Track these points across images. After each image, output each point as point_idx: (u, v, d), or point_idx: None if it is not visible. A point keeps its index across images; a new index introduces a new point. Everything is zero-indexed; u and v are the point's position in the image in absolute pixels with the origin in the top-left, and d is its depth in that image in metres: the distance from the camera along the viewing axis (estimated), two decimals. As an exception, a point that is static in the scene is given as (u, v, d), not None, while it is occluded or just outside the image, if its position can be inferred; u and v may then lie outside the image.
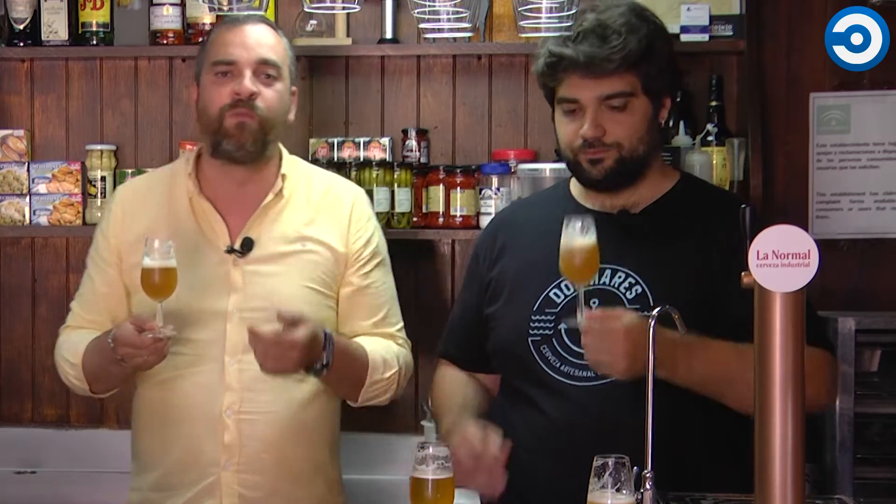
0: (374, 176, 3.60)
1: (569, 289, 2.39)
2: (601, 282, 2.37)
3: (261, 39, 2.63)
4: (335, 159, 3.73)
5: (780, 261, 1.85)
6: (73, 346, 2.67)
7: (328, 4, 2.77)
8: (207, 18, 3.71)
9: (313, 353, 2.49)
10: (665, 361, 2.13)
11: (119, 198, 2.75)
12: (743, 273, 1.89)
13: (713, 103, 3.68)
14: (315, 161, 3.66)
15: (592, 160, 2.41)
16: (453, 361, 2.67)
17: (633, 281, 2.37)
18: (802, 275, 1.84)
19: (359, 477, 3.30)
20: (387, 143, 3.76)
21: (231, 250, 2.60)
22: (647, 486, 2.00)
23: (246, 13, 2.56)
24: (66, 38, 3.75)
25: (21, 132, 3.83)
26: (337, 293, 2.70)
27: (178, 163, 2.78)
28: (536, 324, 2.41)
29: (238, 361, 2.56)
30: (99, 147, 3.78)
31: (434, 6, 3.00)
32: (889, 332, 3.43)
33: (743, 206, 1.99)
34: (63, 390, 3.85)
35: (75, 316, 2.75)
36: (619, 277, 2.38)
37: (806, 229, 2.00)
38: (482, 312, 2.55)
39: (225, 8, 2.72)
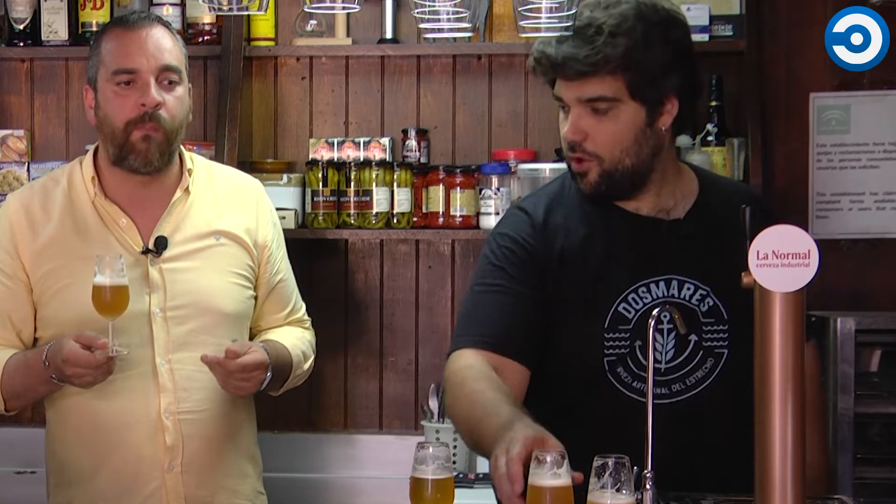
0: (374, 176, 3.60)
1: (637, 303, 2.29)
2: (669, 294, 2.29)
3: (161, 44, 2.56)
4: (335, 159, 3.73)
5: (780, 261, 1.85)
6: None
7: (328, 4, 2.76)
8: (207, 18, 3.71)
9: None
10: None
11: (14, 209, 2.62)
12: (743, 273, 1.89)
13: (713, 103, 3.68)
14: (315, 161, 3.67)
15: (579, 172, 2.31)
16: (488, 347, 2.31)
17: (705, 293, 2.30)
18: (802, 275, 1.84)
19: (365, 477, 3.31)
20: (387, 143, 3.76)
21: (146, 250, 2.57)
22: (648, 486, 2.00)
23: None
24: (66, 38, 3.75)
25: (21, 132, 3.83)
26: (255, 286, 2.72)
27: (72, 166, 2.69)
28: (610, 342, 2.29)
29: (169, 361, 2.54)
30: (99, 147, 3.78)
31: (434, 6, 2.99)
32: (889, 332, 3.43)
33: (743, 206, 1.98)
34: (63, 390, 3.86)
35: None
36: (688, 289, 2.30)
37: (806, 229, 2.00)
38: (542, 306, 2.33)
39: (225, 8, 2.71)
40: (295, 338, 2.76)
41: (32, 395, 2.59)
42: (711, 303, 2.29)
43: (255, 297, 2.73)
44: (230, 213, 2.70)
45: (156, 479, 2.56)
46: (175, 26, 3.65)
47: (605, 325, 2.28)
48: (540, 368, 2.33)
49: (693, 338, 2.27)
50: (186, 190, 2.64)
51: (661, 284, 2.29)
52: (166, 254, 2.58)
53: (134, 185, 2.61)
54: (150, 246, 2.58)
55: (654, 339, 2.19)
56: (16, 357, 2.55)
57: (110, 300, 2.42)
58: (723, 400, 2.29)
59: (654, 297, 2.29)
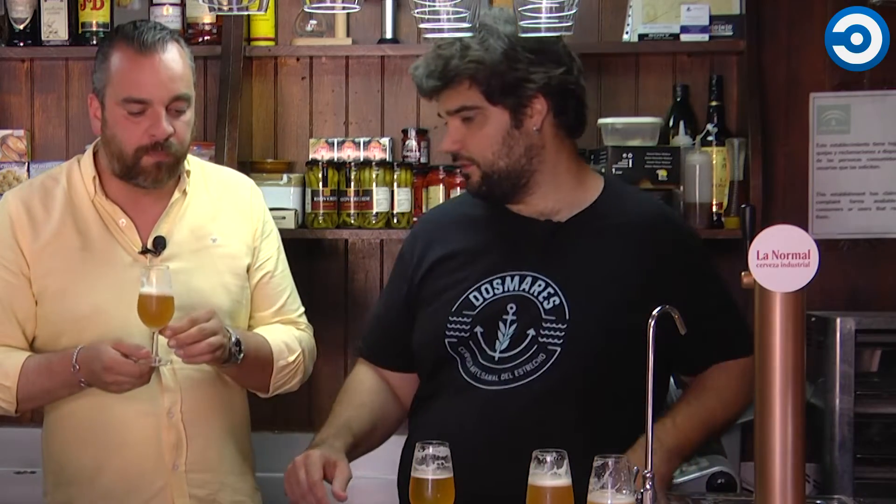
0: (374, 176, 3.60)
1: (487, 293, 2.39)
2: (521, 287, 2.36)
3: (173, 72, 2.53)
4: (335, 159, 3.73)
5: (780, 261, 1.85)
6: None
7: (328, 4, 2.76)
8: (207, 18, 3.71)
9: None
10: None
11: (14, 206, 2.61)
12: (743, 273, 1.89)
13: (713, 103, 3.68)
14: (315, 161, 3.67)
15: (465, 174, 2.44)
16: (371, 360, 2.63)
17: (553, 291, 2.35)
18: (802, 275, 1.84)
19: (366, 477, 3.30)
20: (387, 143, 3.76)
21: (145, 250, 2.58)
22: (648, 486, 2.00)
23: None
24: (66, 38, 3.75)
25: (21, 132, 3.83)
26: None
27: (71, 164, 2.70)
28: (453, 324, 2.40)
29: (170, 361, 2.53)
30: (99, 147, 3.78)
31: (434, 6, 2.99)
32: (889, 332, 3.43)
33: (743, 205, 1.99)
34: (63, 390, 3.86)
35: None
36: (539, 286, 2.36)
37: (806, 229, 2.00)
38: (408, 312, 2.53)
39: (225, 8, 2.71)
40: (277, 331, 2.73)
41: (50, 398, 2.58)
42: (557, 301, 2.34)
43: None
44: (224, 213, 2.70)
45: (161, 479, 2.57)
46: (175, 26, 3.67)
47: (452, 310, 2.39)
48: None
49: (531, 332, 2.32)
50: (184, 191, 2.65)
51: (516, 279, 2.36)
52: (165, 254, 2.59)
53: (134, 187, 2.61)
54: (149, 246, 2.58)
55: (499, 333, 2.32)
56: (34, 360, 2.54)
57: (156, 310, 2.43)
58: (556, 392, 2.33)
59: (506, 289, 2.36)
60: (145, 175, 2.55)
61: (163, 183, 2.58)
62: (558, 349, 2.31)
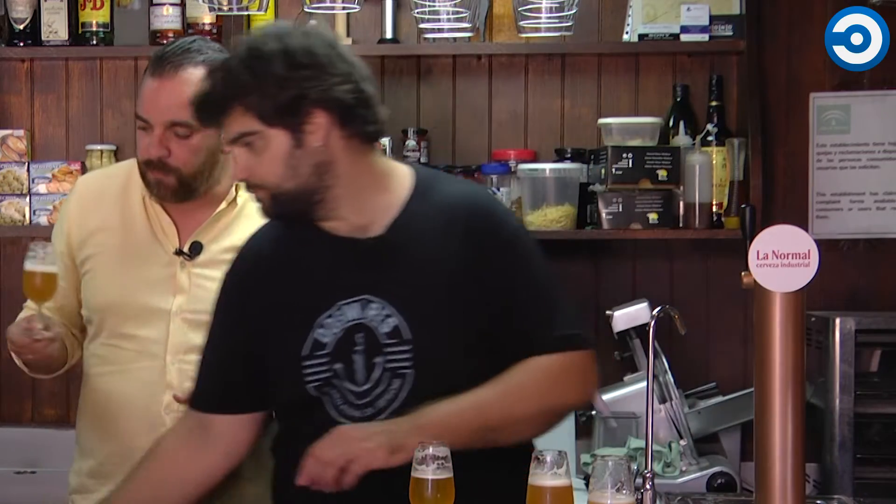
0: (374, 176, 3.60)
1: (332, 327, 2.23)
2: (361, 314, 2.23)
3: (173, 99, 2.51)
4: (335, 159, 3.73)
5: (780, 261, 1.85)
6: None
7: (328, 4, 2.77)
8: (207, 18, 3.71)
9: None
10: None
11: (78, 190, 2.77)
12: (743, 273, 1.89)
13: (713, 103, 3.68)
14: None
15: (258, 199, 2.27)
16: (203, 408, 2.39)
17: (388, 312, 2.22)
18: (802, 275, 1.85)
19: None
20: (387, 143, 3.76)
21: (179, 252, 2.61)
22: (648, 487, 2.01)
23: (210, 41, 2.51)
24: (66, 38, 3.75)
25: (21, 132, 3.83)
26: None
27: (135, 161, 2.72)
28: (310, 368, 2.25)
29: (179, 361, 2.56)
30: (99, 147, 3.78)
31: (434, 6, 3.00)
32: (889, 332, 3.43)
33: (743, 205, 1.98)
34: (63, 390, 3.86)
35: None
36: (374, 309, 2.23)
37: (806, 229, 2.00)
38: (246, 355, 2.35)
39: (225, 8, 2.71)
40: None
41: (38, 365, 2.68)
42: (395, 322, 2.21)
43: None
44: None
45: None
46: (175, 26, 3.67)
47: (304, 354, 2.24)
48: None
49: (378, 360, 2.20)
50: (234, 202, 2.66)
51: (355, 306, 2.23)
52: (198, 259, 2.61)
53: None
54: (185, 249, 2.61)
55: (355, 366, 2.20)
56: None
57: (40, 285, 2.53)
58: None
59: (349, 318, 2.22)
60: (150, 189, 2.60)
61: (167, 199, 2.61)
62: (409, 371, 2.19)
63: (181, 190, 2.59)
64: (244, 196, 2.67)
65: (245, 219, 2.66)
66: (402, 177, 2.32)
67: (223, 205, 2.66)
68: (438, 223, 2.25)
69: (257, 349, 2.32)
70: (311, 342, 2.24)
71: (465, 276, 2.21)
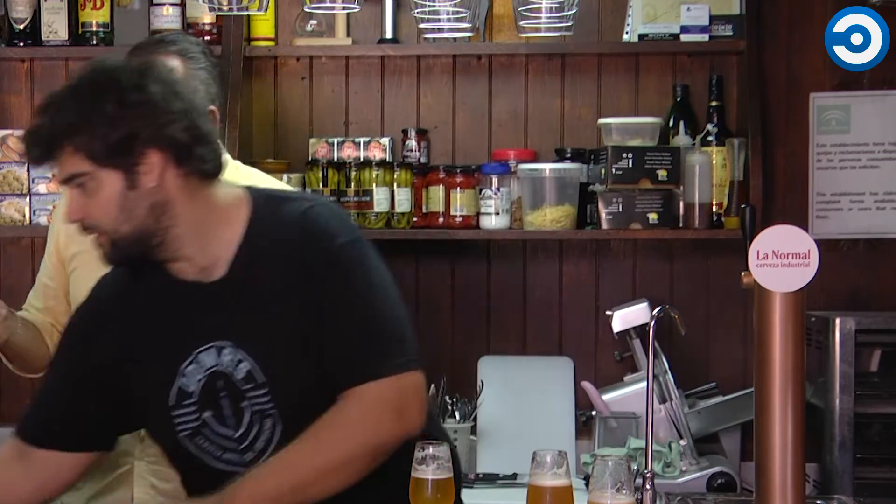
0: (374, 176, 3.60)
1: (195, 375, 2.18)
2: (218, 361, 2.17)
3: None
4: (335, 159, 3.73)
5: (780, 261, 1.85)
6: None
7: (328, 4, 2.76)
8: (207, 18, 3.71)
9: None
10: None
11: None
12: (743, 273, 1.89)
13: (713, 103, 3.68)
14: (315, 161, 3.67)
15: (98, 244, 2.18)
16: (30, 439, 2.28)
17: (240, 357, 2.16)
18: (802, 275, 1.85)
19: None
20: (387, 143, 3.76)
21: None
22: (648, 486, 2.01)
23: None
24: (66, 38, 3.75)
25: (21, 132, 3.83)
26: None
27: None
28: (179, 418, 2.20)
29: None
30: (99, 147, 3.79)
31: (434, 6, 3.00)
32: (889, 332, 3.43)
33: (743, 205, 1.98)
34: (63, 390, 3.86)
35: (27, 302, 2.83)
36: (227, 354, 2.17)
37: (806, 229, 2.00)
38: (80, 394, 2.28)
39: (225, 8, 2.70)
40: None
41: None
42: (247, 367, 2.16)
43: None
44: None
45: (126, 465, 2.65)
46: (175, 26, 3.67)
47: (171, 404, 2.20)
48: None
49: (245, 405, 2.16)
50: None
51: (212, 352, 2.17)
52: None
53: None
54: None
55: (224, 413, 2.17)
56: None
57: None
58: None
59: (208, 365, 2.17)
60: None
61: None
62: (274, 411, 2.15)
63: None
64: None
65: None
66: (240, 209, 2.21)
67: None
68: (278, 253, 2.16)
69: (102, 396, 2.24)
70: (176, 391, 2.19)
71: (302, 309, 2.13)
